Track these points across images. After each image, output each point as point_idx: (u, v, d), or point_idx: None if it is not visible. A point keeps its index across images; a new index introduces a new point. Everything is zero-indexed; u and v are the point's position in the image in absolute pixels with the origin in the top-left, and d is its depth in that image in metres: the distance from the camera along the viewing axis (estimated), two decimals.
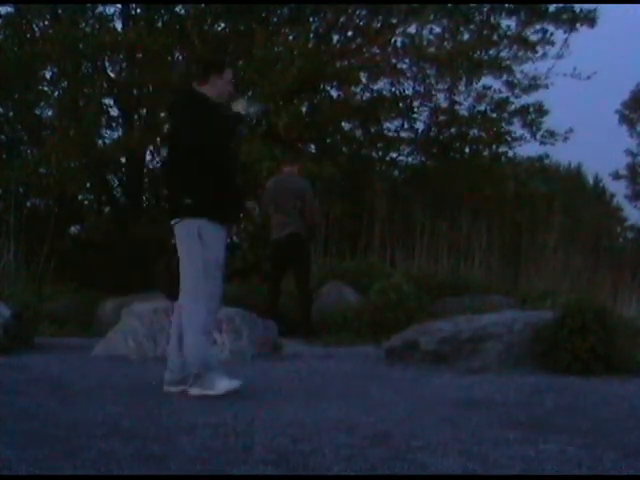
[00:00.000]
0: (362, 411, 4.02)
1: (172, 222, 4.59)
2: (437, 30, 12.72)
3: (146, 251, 12.47)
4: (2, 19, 12.61)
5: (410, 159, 14.35)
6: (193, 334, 4.46)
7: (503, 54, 13.13)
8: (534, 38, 12.97)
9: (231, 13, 12.19)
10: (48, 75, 13.12)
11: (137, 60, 12.57)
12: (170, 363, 4.61)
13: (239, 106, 4.71)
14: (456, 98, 13.63)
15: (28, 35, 12.46)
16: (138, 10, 12.88)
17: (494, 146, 13.89)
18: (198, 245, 4.46)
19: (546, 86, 13.30)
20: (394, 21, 12.65)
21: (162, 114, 12.28)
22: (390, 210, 11.38)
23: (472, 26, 12.91)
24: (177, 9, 12.57)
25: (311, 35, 12.58)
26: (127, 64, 12.79)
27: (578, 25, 12.85)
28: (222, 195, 4.56)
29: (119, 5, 12.74)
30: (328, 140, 13.70)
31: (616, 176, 28.48)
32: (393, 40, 12.69)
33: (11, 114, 13.35)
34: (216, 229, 4.51)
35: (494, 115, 13.66)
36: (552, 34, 12.90)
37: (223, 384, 4.43)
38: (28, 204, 12.93)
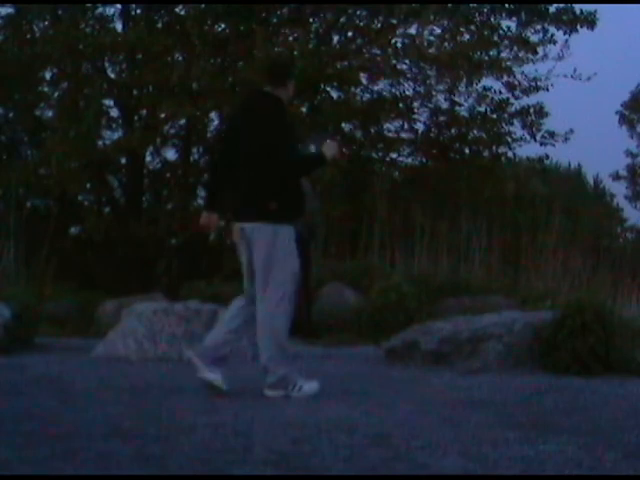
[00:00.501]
0: (362, 411, 4.02)
1: (248, 224, 4.54)
2: (437, 31, 12.71)
3: (146, 251, 12.47)
4: (2, 20, 12.61)
5: (410, 160, 14.34)
6: (275, 341, 4.49)
7: (503, 55, 13.13)
8: (534, 39, 12.97)
9: (231, 14, 12.19)
10: (48, 76, 13.12)
11: (137, 61, 12.57)
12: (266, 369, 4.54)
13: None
14: (456, 99, 13.62)
15: (28, 36, 12.45)
16: (138, 11, 12.87)
17: (494, 147, 13.88)
18: (293, 252, 4.54)
19: (546, 88, 13.30)
20: (394, 22, 12.64)
21: (162, 115, 12.28)
22: (390, 211, 11.37)
23: (472, 27, 12.90)
24: (177, 10, 12.57)
25: (311, 36, 12.58)
26: (127, 65, 12.79)
27: (578, 26, 12.85)
28: (301, 200, 4.67)
29: (119, 6, 12.74)
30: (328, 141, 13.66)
31: (616, 177, 28.44)
32: (393, 41, 12.68)
33: (11, 115, 13.35)
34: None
35: (494, 116, 13.66)
36: (553, 35, 12.91)
37: (308, 386, 4.51)
38: (28, 205, 12.93)
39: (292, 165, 4.60)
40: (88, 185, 13.21)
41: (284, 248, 4.51)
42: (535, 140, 13.64)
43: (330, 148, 4.70)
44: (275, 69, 4.81)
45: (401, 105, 13.59)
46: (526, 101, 13.52)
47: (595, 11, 12.82)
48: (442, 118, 13.82)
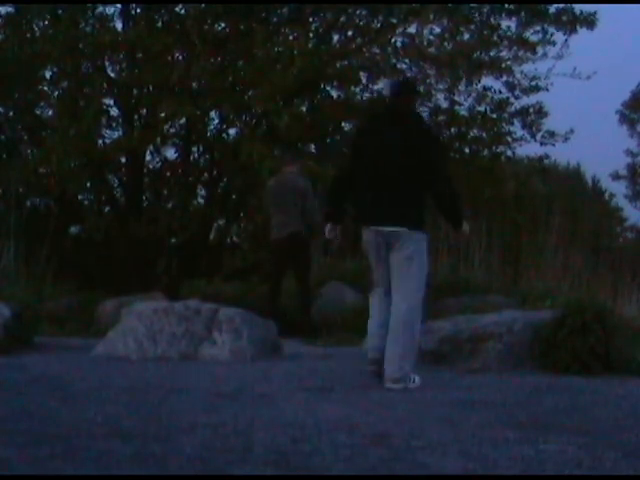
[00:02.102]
0: (362, 411, 4.02)
1: (391, 228, 4.93)
2: (437, 30, 12.73)
3: (146, 250, 12.46)
4: (2, 19, 12.60)
5: None
6: (413, 339, 4.87)
7: (503, 54, 13.14)
8: (534, 39, 12.98)
9: (231, 13, 12.18)
10: (48, 75, 13.11)
11: (137, 60, 12.56)
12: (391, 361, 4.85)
13: None
14: (456, 98, 13.63)
15: (28, 35, 12.43)
16: (138, 10, 12.87)
17: (494, 147, 13.89)
18: (426, 256, 5.03)
19: (546, 89, 13.34)
20: (394, 21, 12.64)
21: (162, 114, 12.28)
22: None
23: (472, 26, 12.91)
24: (177, 9, 12.57)
25: (311, 35, 12.58)
26: (127, 64, 12.78)
27: (578, 27, 12.87)
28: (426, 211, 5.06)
29: (119, 5, 12.73)
30: (328, 140, 13.70)
31: (616, 176, 28.46)
32: (393, 40, 12.69)
33: (11, 114, 13.34)
34: None
35: (494, 116, 13.66)
36: (552, 35, 12.93)
37: (418, 378, 4.88)
38: (28, 204, 12.92)
39: (449, 183, 5.06)
40: (88, 184, 13.21)
41: (422, 252, 4.96)
42: (535, 140, 13.66)
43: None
44: (406, 87, 5.30)
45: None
46: (526, 101, 13.55)
47: (595, 12, 12.84)
48: (442, 117, 13.82)
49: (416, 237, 4.93)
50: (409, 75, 13.32)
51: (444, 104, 13.73)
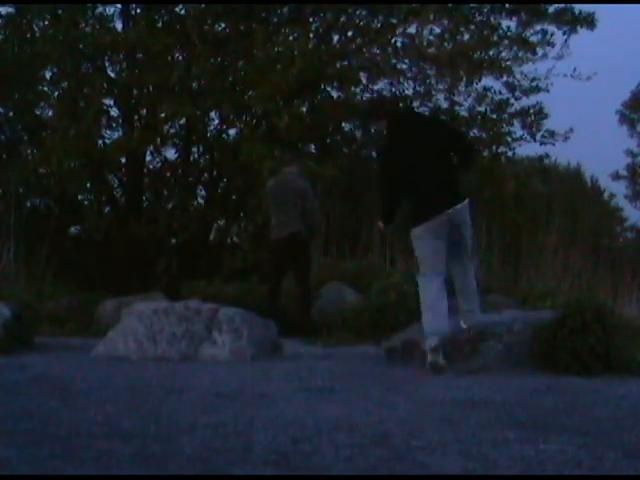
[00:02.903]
0: (362, 411, 4.01)
1: (455, 207, 5.48)
2: (437, 30, 12.74)
3: (146, 250, 12.47)
4: (2, 19, 12.61)
5: None
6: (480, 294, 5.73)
7: (503, 55, 13.15)
8: (534, 39, 12.99)
9: (231, 13, 12.19)
10: (48, 75, 13.13)
11: (137, 60, 12.57)
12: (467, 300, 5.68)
13: None
14: (456, 99, 13.64)
15: (28, 35, 12.45)
16: (138, 10, 12.88)
17: (494, 147, 13.89)
18: None
19: (547, 90, 13.35)
20: (394, 21, 12.65)
21: (162, 114, 12.29)
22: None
23: (472, 27, 12.91)
24: (177, 9, 12.57)
25: (311, 35, 12.58)
26: (127, 64, 12.79)
27: (578, 27, 12.88)
28: None
29: (119, 5, 12.74)
30: (328, 140, 13.71)
31: (616, 176, 28.42)
32: (393, 40, 12.69)
33: (11, 114, 13.35)
34: None
35: (494, 116, 13.66)
36: (552, 35, 12.94)
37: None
38: (28, 204, 12.93)
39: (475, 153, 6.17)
40: (88, 184, 13.22)
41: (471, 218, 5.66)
42: (535, 140, 13.66)
43: None
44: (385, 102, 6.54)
45: (401, 105, 13.59)
46: (526, 102, 13.56)
47: (594, 13, 12.86)
48: (442, 118, 13.82)
49: (468, 207, 5.57)
50: (409, 75, 13.36)
51: (444, 104, 13.75)
